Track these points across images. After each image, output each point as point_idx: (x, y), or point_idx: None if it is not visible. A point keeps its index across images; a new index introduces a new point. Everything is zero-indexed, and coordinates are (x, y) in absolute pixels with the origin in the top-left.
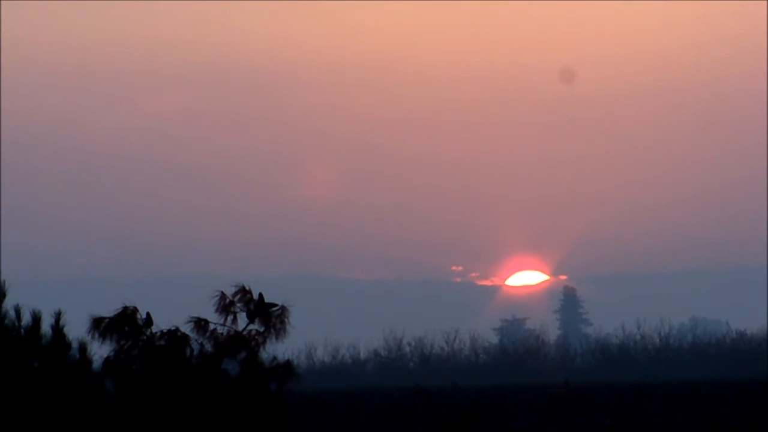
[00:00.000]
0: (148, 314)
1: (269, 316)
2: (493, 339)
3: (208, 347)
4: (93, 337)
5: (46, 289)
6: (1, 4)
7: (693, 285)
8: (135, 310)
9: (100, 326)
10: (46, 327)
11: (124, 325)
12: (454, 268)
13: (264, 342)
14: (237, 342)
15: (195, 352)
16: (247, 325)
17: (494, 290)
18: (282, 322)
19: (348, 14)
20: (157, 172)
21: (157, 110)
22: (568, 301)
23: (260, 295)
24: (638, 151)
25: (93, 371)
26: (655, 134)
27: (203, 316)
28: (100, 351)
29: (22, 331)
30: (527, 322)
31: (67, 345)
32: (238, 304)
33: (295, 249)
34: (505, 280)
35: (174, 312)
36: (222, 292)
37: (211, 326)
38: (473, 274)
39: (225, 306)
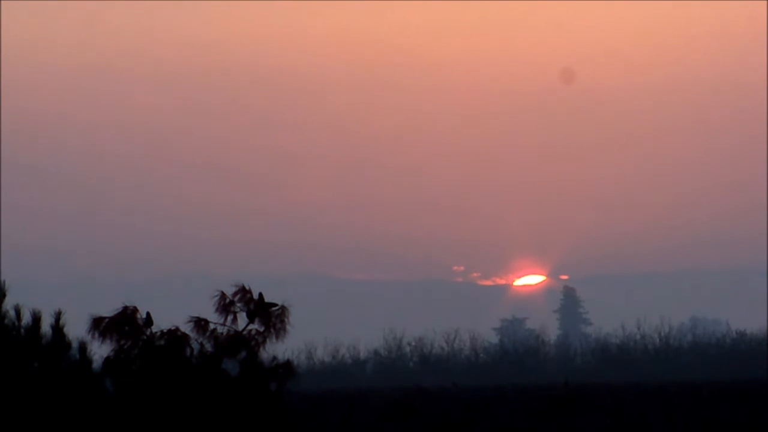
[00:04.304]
0: (148, 314)
1: (269, 315)
2: (493, 339)
3: (208, 347)
4: (93, 337)
5: (46, 289)
6: (1, 3)
7: (693, 285)
8: (135, 310)
9: (100, 326)
10: (46, 327)
11: (124, 325)
12: (455, 268)
13: (264, 342)
14: (237, 342)
15: (195, 352)
16: (247, 325)
17: (495, 290)
18: (282, 322)
19: (347, 16)
20: (157, 172)
21: (158, 110)
22: (568, 301)
23: (260, 295)
24: (638, 152)
25: (93, 371)
26: (655, 135)
27: (203, 316)
28: (100, 351)
29: (22, 331)
30: (527, 322)
31: (67, 345)
32: (238, 304)
33: (295, 249)
34: (506, 280)
35: (174, 312)
36: (222, 292)
37: (211, 326)
38: (474, 274)
39: (225, 306)
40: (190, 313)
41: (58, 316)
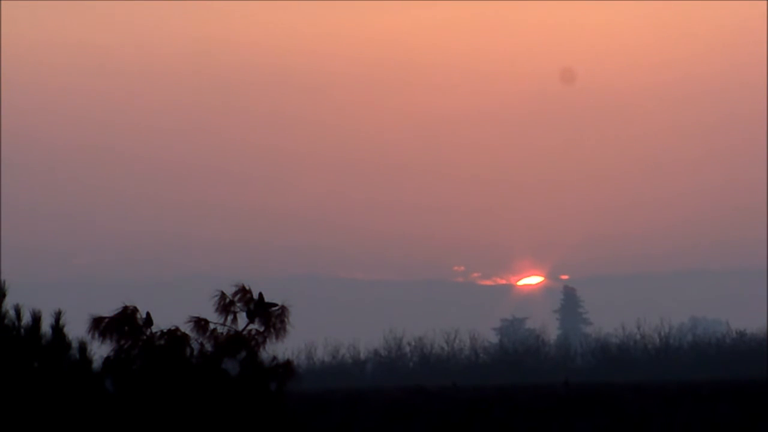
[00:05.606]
0: (148, 314)
1: (269, 315)
2: (493, 339)
3: (208, 347)
4: (93, 337)
5: (46, 289)
6: (1, 3)
7: (693, 285)
8: (135, 310)
9: (100, 326)
10: (46, 327)
11: (124, 325)
12: (455, 268)
13: (264, 342)
14: (237, 342)
15: (195, 352)
16: (247, 325)
17: (495, 290)
18: (282, 321)
19: (347, 16)
20: (157, 171)
21: (158, 110)
22: (568, 301)
23: (260, 294)
24: (638, 152)
25: (93, 371)
26: (656, 135)
27: (203, 316)
28: (100, 351)
29: (22, 331)
30: (527, 322)
31: (67, 345)
32: (238, 304)
33: (296, 249)
34: (507, 280)
35: (174, 312)
36: (222, 292)
37: (211, 326)
38: (474, 274)
39: (225, 306)
40: (190, 313)
41: (58, 316)
